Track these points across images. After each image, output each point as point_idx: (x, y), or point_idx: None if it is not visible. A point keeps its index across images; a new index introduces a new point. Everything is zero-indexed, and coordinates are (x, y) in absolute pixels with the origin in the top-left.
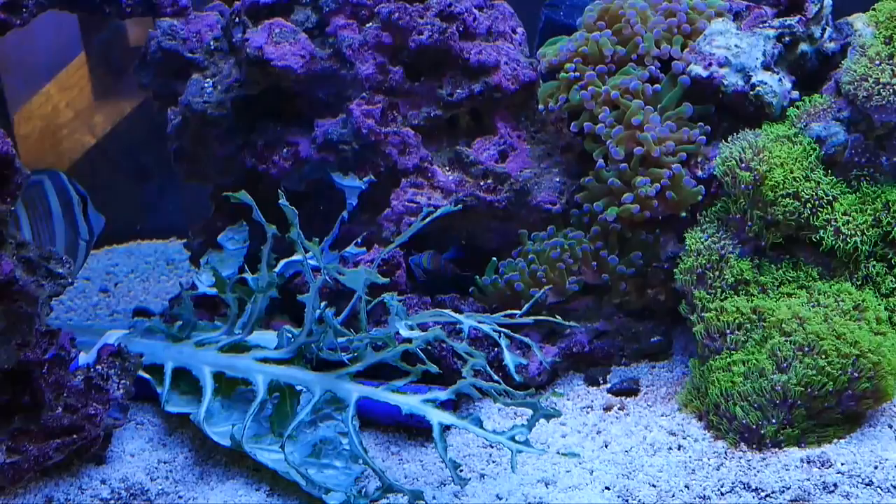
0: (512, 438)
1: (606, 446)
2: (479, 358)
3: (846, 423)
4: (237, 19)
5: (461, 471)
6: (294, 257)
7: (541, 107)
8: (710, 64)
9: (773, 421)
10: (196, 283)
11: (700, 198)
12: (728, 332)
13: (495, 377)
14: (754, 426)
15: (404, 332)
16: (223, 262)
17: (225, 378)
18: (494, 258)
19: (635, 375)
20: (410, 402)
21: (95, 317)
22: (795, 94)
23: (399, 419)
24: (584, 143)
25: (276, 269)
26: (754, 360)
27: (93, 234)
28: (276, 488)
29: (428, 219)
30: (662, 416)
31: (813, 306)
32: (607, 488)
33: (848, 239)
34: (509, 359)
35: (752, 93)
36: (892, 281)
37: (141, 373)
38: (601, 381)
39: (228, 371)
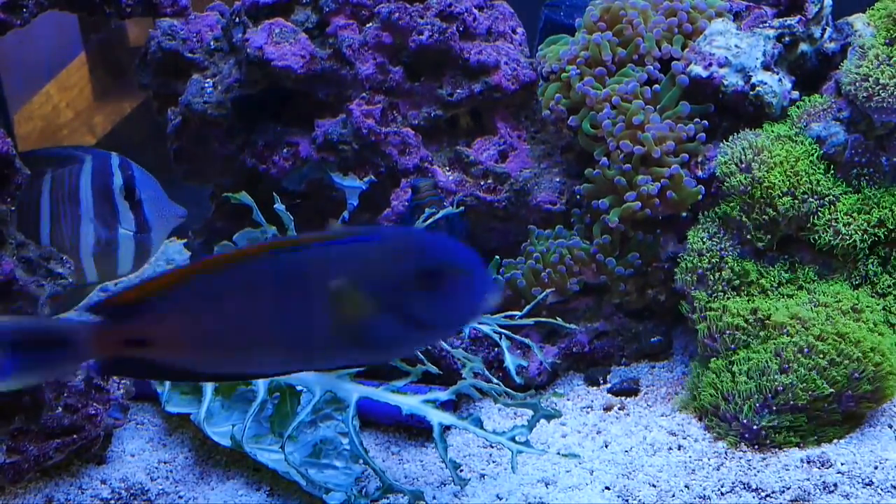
0: (512, 439)
1: (606, 446)
2: (475, 362)
3: (846, 424)
4: (237, 19)
5: (461, 471)
6: None
7: (545, 112)
8: (710, 64)
9: (774, 421)
10: None
11: (700, 197)
12: (728, 332)
13: (494, 380)
14: (754, 426)
15: None
16: None
17: None
18: (497, 256)
19: (635, 375)
20: (410, 402)
21: None
22: (795, 94)
23: (399, 419)
24: (581, 140)
25: None
26: (755, 361)
27: (146, 226)
28: (277, 488)
29: (429, 220)
30: (662, 416)
31: (814, 306)
32: (607, 488)
33: (847, 239)
34: (509, 360)
35: (752, 93)
36: (888, 280)
37: None
38: (601, 381)
39: None
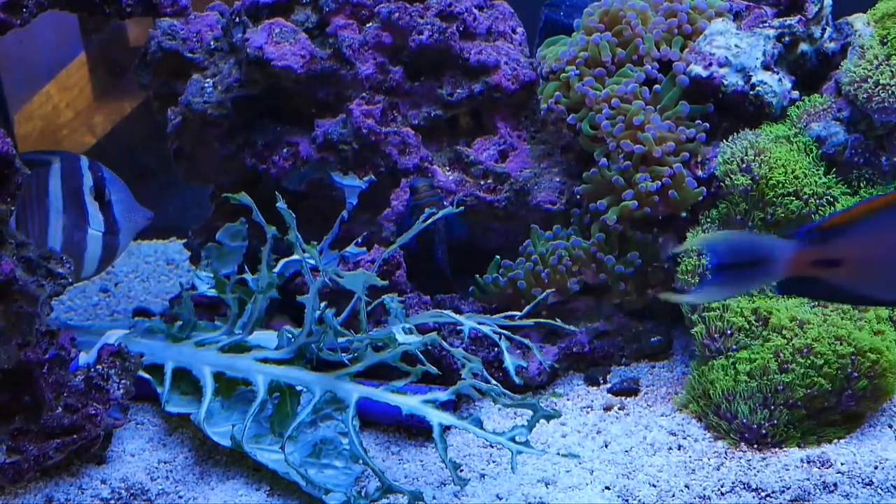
0: (512, 439)
1: (606, 446)
2: (474, 363)
3: (846, 423)
4: (237, 19)
5: (461, 471)
6: (294, 257)
7: (543, 107)
8: (710, 64)
9: (774, 421)
10: (195, 282)
11: (701, 198)
12: (729, 332)
13: (493, 381)
14: (754, 426)
15: (400, 338)
16: (222, 258)
17: (225, 378)
18: (498, 256)
19: (635, 375)
20: (410, 402)
21: (95, 317)
22: (795, 94)
23: (399, 419)
24: (581, 140)
25: (276, 269)
26: (755, 361)
27: (115, 227)
28: (277, 488)
29: (430, 220)
30: (662, 415)
31: (813, 307)
32: (607, 488)
33: None
34: (509, 361)
35: (752, 93)
36: None
37: (141, 373)
38: (601, 381)
39: (229, 371)
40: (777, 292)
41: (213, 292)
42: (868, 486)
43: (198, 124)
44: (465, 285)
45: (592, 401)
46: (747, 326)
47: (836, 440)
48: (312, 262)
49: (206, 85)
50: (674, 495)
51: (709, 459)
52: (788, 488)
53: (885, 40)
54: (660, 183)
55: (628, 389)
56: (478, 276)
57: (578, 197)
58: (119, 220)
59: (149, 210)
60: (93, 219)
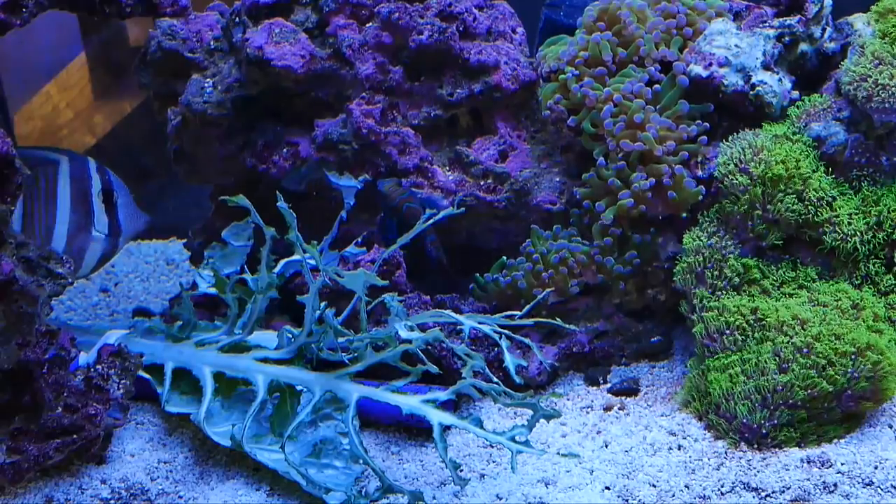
0: (512, 439)
1: (606, 446)
2: (477, 360)
3: (846, 423)
4: (237, 19)
5: (461, 471)
6: (294, 257)
7: (545, 112)
8: (710, 64)
9: (774, 421)
10: (197, 280)
11: (700, 198)
12: (728, 332)
13: (494, 379)
14: (754, 426)
15: (403, 334)
16: (226, 258)
17: (225, 378)
18: (504, 257)
19: (635, 375)
20: (411, 402)
21: (95, 317)
22: (795, 93)
23: (399, 419)
24: (583, 141)
25: (276, 270)
26: (755, 361)
27: (118, 231)
28: (277, 488)
29: (430, 221)
30: (662, 415)
31: (813, 306)
32: (607, 488)
33: (848, 239)
34: (509, 360)
35: (752, 93)
36: (890, 280)
37: (141, 373)
38: (601, 381)
39: (228, 371)
40: None
41: (213, 291)
42: (868, 486)
43: (198, 124)
44: (465, 285)
45: (592, 401)
46: (747, 326)
47: (836, 440)
48: (312, 262)
49: (206, 85)
50: (674, 495)
51: (709, 459)
52: (788, 488)
53: (888, 38)
54: (654, 180)
55: (628, 389)
56: (478, 275)
57: (578, 197)
58: (122, 224)
59: (148, 214)
60: (98, 221)
